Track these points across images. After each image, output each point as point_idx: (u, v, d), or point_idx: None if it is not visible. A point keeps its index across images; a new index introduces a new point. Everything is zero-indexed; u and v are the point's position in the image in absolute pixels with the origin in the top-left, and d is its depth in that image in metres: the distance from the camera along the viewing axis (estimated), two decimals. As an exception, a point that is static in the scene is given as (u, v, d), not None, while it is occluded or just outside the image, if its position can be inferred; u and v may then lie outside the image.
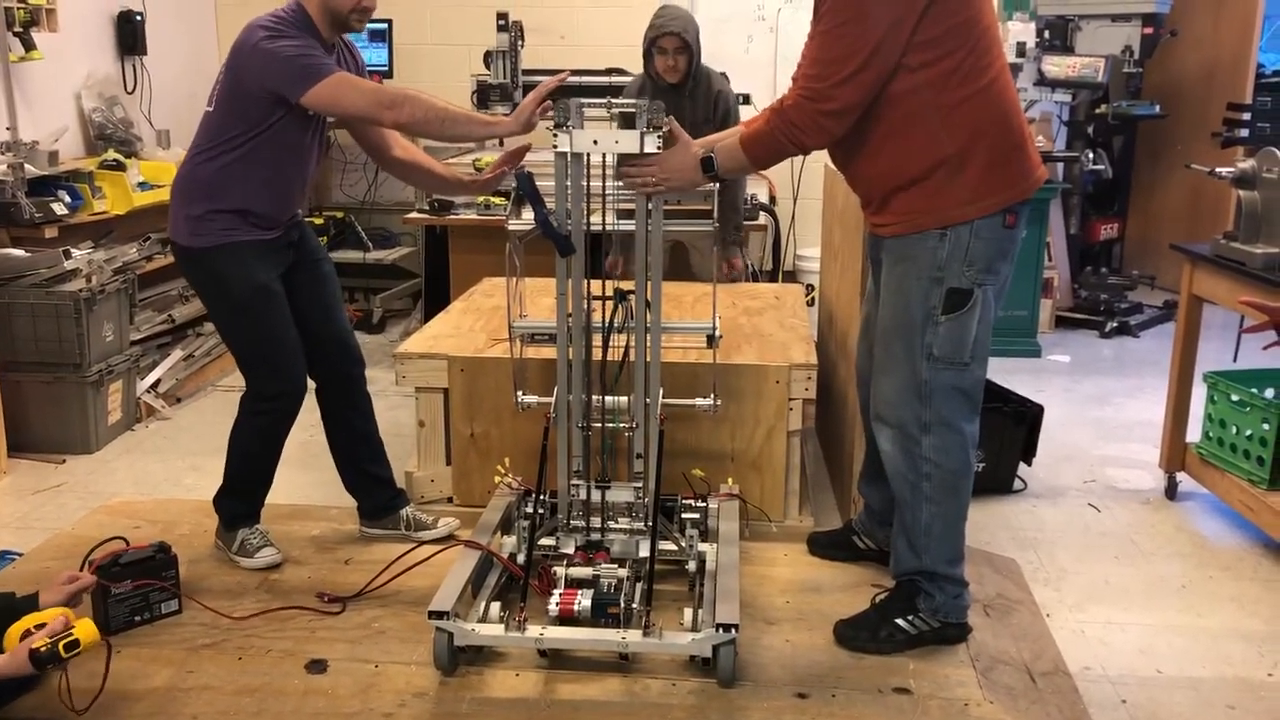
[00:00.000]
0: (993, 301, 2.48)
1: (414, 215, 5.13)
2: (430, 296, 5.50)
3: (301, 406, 2.97)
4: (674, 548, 2.85)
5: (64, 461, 4.01)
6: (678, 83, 4.12)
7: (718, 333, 2.93)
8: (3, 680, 2.15)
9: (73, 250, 4.33)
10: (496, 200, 4.92)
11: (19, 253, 4.16)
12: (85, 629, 2.16)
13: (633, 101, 2.60)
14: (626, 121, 2.54)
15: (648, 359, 2.70)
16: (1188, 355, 3.71)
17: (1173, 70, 6.62)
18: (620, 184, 2.61)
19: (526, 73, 5.49)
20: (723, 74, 4.42)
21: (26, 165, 4.21)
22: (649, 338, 2.69)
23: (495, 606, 2.59)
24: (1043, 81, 5.66)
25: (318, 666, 2.50)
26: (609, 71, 5.57)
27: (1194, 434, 3.69)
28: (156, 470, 3.96)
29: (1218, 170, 3.55)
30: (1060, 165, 5.85)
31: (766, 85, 5.93)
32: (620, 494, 2.83)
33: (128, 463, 4.04)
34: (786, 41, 6.06)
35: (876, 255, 2.63)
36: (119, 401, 4.28)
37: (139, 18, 5.40)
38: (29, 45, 4.44)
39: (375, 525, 3.16)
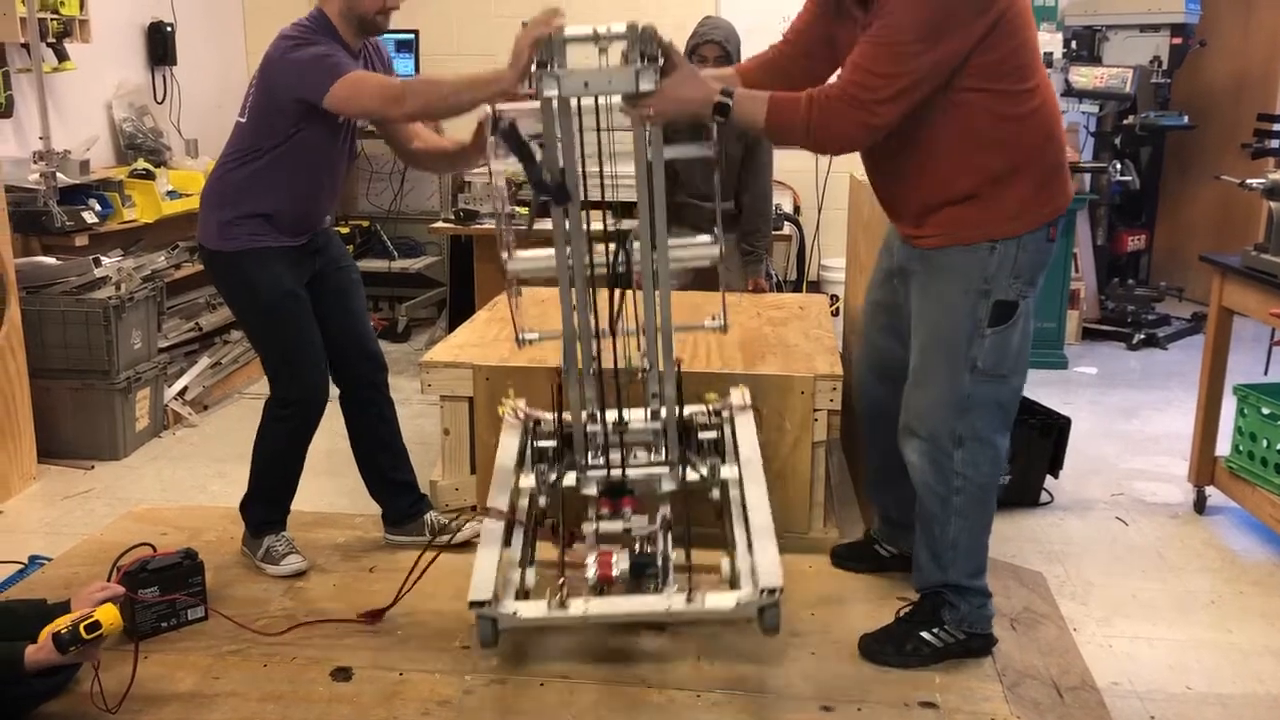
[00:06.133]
0: (1031, 314, 2.48)
1: (439, 225, 5.16)
2: (455, 305, 5.52)
3: (323, 414, 2.99)
4: (696, 477, 2.72)
5: (92, 467, 4.04)
6: None
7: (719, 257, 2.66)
8: (36, 671, 2.17)
9: (102, 258, 4.38)
10: (521, 210, 4.93)
11: (50, 261, 4.21)
12: (105, 612, 2.18)
13: (622, 29, 2.27)
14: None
15: (656, 290, 2.51)
16: (1217, 367, 3.68)
17: (1202, 81, 6.58)
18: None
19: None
20: None
21: (58, 174, 4.26)
22: (656, 272, 2.48)
23: (530, 573, 2.51)
24: (1070, 92, 5.63)
25: (342, 674, 2.51)
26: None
27: (1223, 447, 3.65)
28: (183, 477, 3.98)
29: (1248, 181, 3.52)
30: (1088, 176, 5.81)
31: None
32: (638, 434, 2.75)
33: (155, 469, 4.07)
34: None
35: (905, 264, 2.60)
36: (147, 408, 4.31)
37: (169, 28, 5.45)
38: (62, 56, 4.49)
39: (400, 532, 3.17)
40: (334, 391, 3.08)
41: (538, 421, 2.86)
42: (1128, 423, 4.62)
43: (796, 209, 5.88)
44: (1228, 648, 2.86)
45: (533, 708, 2.39)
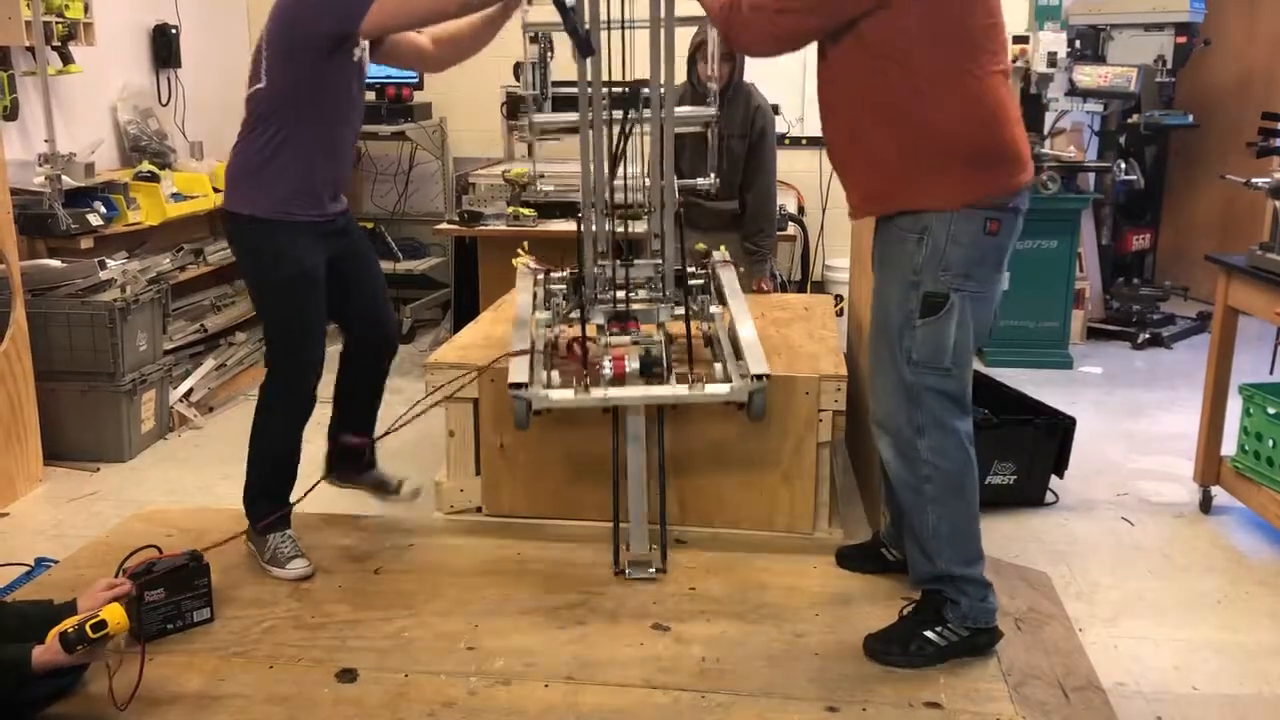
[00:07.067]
0: (970, 309, 2.47)
1: (444, 226, 5.17)
2: (459, 307, 5.53)
3: (314, 401, 3.03)
4: (690, 310, 3.10)
5: (98, 470, 4.05)
6: (718, 91, 4.12)
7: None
8: (43, 672, 2.18)
9: (108, 261, 4.39)
10: (526, 211, 4.95)
11: (55, 263, 4.22)
12: (112, 611, 2.19)
13: None
14: None
15: (663, 146, 2.91)
16: (1223, 367, 3.67)
17: (1206, 80, 6.57)
18: None
19: (556, 84, 5.50)
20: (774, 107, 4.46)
21: (63, 177, 4.27)
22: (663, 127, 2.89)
23: (555, 374, 2.88)
24: (1074, 91, 5.62)
25: (348, 676, 2.51)
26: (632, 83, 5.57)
27: (1229, 447, 3.65)
28: (189, 479, 3.99)
29: (1253, 181, 3.52)
30: (1092, 175, 5.81)
31: (795, 93, 5.93)
32: (641, 270, 3.09)
33: (161, 471, 4.08)
34: (814, 50, 6.05)
35: (872, 256, 2.69)
36: (152, 410, 4.32)
37: (174, 31, 5.46)
38: (67, 59, 4.50)
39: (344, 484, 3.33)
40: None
41: (547, 272, 3.24)
42: (1133, 422, 4.62)
43: (800, 209, 5.88)
44: (1234, 648, 2.85)
45: (537, 709, 2.39)
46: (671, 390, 2.79)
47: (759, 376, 2.75)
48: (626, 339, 2.95)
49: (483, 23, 3.02)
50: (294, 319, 2.94)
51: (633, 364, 2.82)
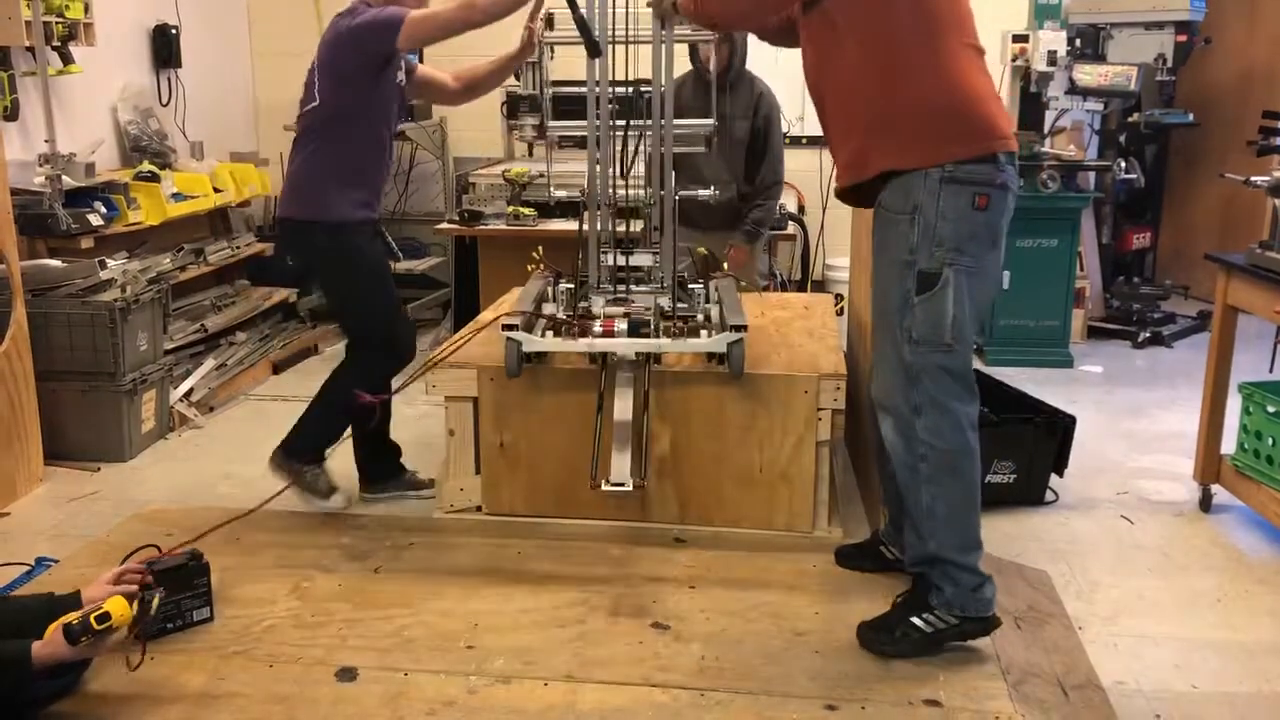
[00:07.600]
0: (966, 284, 2.49)
1: (444, 226, 5.17)
2: (460, 306, 5.53)
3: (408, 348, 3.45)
4: (685, 305, 3.28)
5: (99, 469, 4.05)
6: (718, 74, 4.12)
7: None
8: (44, 667, 2.17)
9: (108, 260, 4.39)
10: (526, 210, 4.95)
11: (56, 263, 4.22)
12: (115, 603, 2.19)
13: None
14: None
15: (662, 147, 3.14)
16: (1223, 366, 3.67)
17: (1206, 78, 6.56)
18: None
19: (555, 83, 5.49)
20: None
21: (64, 177, 4.27)
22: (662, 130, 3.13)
23: (550, 334, 3.14)
24: (1074, 90, 5.62)
25: (347, 675, 2.51)
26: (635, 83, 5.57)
27: (1229, 445, 3.64)
28: (189, 478, 3.98)
29: (1253, 179, 3.52)
30: (1092, 174, 5.81)
31: (796, 95, 5.92)
32: (641, 259, 3.31)
33: (161, 471, 4.08)
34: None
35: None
36: (153, 410, 4.32)
37: (174, 31, 5.46)
38: (67, 59, 4.50)
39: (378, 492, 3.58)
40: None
41: (559, 274, 3.47)
42: (1133, 421, 4.61)
43: (801, 209, 5.88)
44: (1234, 646, 2.85)
45: (537, 708, 2.39)
46: (655, 342, 3.02)
47: (737, 327, 2.96)
48: (620, 310, 3.17)
49: (498, 67, 3.44)
50: (378, 303, 3.29)
51: (621, 325, 3.05)
